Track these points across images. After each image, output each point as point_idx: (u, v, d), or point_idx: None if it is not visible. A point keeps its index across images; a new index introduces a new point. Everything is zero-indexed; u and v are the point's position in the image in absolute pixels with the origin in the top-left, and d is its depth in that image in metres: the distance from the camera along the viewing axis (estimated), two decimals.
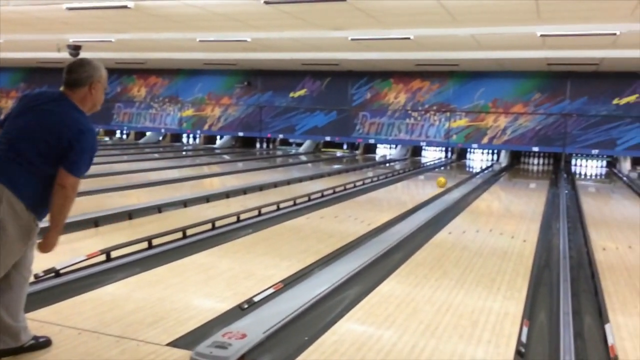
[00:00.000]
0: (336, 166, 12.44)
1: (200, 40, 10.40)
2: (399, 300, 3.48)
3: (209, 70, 16.04)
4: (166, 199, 6.78)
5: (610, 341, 2.92)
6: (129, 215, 5.71)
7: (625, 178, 11.58)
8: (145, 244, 4.51)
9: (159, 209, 6.17)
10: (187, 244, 4.74)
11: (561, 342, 2.92)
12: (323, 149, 16.32)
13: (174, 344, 2.74)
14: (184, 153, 14.89)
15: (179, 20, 8.54)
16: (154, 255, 4.36)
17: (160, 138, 17.86)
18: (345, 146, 16.14)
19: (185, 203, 6.62)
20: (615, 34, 7.94)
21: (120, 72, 17.34)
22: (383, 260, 4.51)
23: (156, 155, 13.37)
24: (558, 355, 2.78)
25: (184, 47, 11.66)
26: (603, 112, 12.67)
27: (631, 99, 12.44)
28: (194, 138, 17.78)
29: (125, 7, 7.55)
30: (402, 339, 2.88)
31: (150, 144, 16.83)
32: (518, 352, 2.74)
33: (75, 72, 2.53)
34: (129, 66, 16.26)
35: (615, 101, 12.57)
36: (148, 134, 17.75)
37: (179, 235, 4.89)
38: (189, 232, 4.98)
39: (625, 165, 12.85)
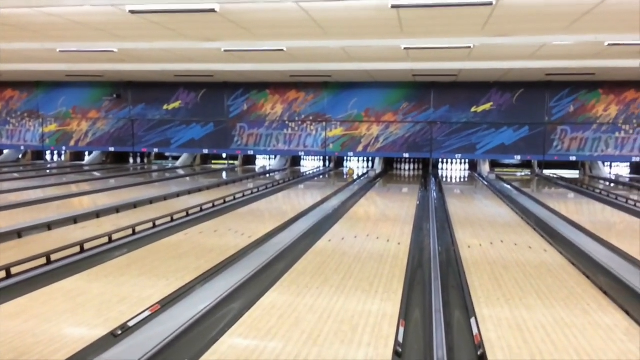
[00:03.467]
0: (215, 179, 12.22)
1: (60, 51, 9.72)
2: (282, 311, 3.48)
3: (73, 82, 15.04)
4: (27, 222, 6.23)
5: (475, 331, 3.15)
6: None
7: (484, 180, 12.62)
8: (3, 273, 4.10)
9: (18, 233, 5.64)
10: (52, 270, 4.37)
11: (434, 337, 3.09)
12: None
13: None
14: (47, 171, 13.78)
15: (35, 29, 7.92)
16: (13, 285, 3.97)
17: (20, 156, 16.50)
18: (225, 156, 15.96)
19: (49, 226, 6.12)
20: (469, 47, 8.64)
21: None
22: (265, 272, 4.49)
23: (15, 175, 12.26)
24: (432, 351, 2.93)
25: (42, 58, 10.83)
26: (463, 120, 13.73)
27: (487, 106, 13.62)
28: (59, 155, 16.63)
29: None
30: (285, 350, 2.87)
31: (8, 163, 15.43)
32: (396, 352, 2.85)
33: None
34: None
35: (473, 109, 13.67)
36: (5, 152, 16.32)
37: (43, 261, 4.51)
38: (54, 257, 4.60)
39: (485, 168, 14.02)
